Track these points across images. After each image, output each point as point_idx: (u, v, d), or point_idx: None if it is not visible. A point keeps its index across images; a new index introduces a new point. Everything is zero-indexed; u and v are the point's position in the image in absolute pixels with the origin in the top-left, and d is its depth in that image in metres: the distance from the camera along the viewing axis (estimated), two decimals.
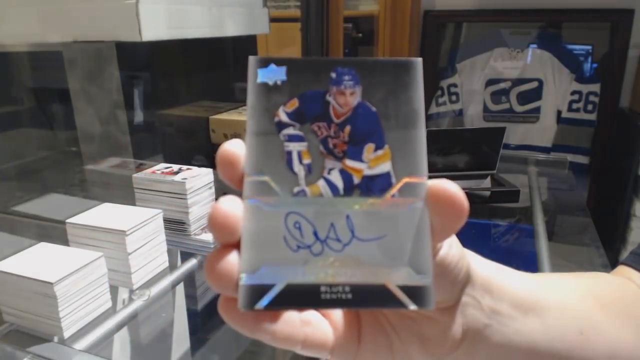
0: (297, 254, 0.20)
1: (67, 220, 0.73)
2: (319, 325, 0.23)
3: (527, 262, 0.92)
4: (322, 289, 0.20)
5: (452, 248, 0.23)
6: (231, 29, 1.01)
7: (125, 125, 1.08)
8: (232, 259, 0.20)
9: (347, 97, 0.21)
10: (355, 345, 0.24)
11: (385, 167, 0.21)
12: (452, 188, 0.20)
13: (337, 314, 0.24)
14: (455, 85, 2.05)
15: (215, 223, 0.20)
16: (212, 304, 0.85)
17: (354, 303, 0.20)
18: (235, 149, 0.20)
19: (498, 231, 1.14)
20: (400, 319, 0.25)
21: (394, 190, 0.21)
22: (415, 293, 0.20)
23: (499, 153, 1.21)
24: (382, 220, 0.20)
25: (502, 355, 0.28)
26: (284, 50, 1.80)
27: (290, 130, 0.21)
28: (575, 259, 0.96)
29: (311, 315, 0.23)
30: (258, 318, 0.20)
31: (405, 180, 0.21)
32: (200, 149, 1.29)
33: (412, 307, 0.20)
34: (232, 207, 0.20)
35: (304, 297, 0.20)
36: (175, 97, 1.34)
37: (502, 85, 2.00)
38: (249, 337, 0.21)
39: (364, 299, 0.20)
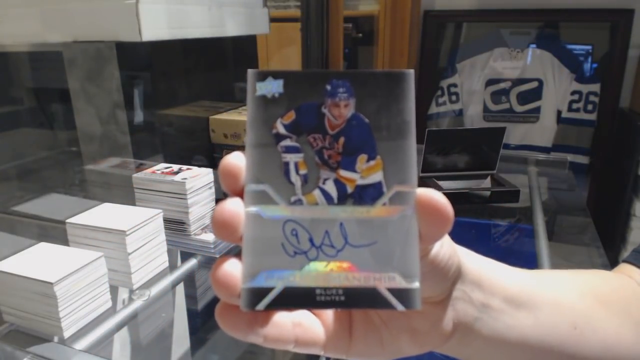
0: (294, 259, 0.21)
1: (67, 220, 0.73)
2: (310, 325, 0.24)
3: (527, 262, 0.92)
4: (317, 291, 0.21)
5: (443, 246, 0.24)
6: (231, 29, 1.01)
7: (125, 125, 1.08)
8: (234, 267, 0.21)
9: (341, 109, 0.22)
10: (347, 340, 0.26)
11: (377, 177, 0.22)
12: (438, 197, 0.21)
13: (329, 312, 0.26)
14: (455, 85, 2.05)
15: (218, 222, 0.21)
16: (212, 304, 0.85)
17: (346, 304, 0.21)
18: (236, 161, 0.22)
19: (498, 231, 1.14)
20: (391, 313, 0.26)
21: (385, 199, 0.22)
22: (404, 295, 0.21)
23: (499, 153, 1.21)
24: (373, 227, 0.22)
25: (494, 348, 0.29)
26: (284, 51, 1.80)
27: (287, 142, 0.22)
28: (575, 259, 0.96)
29: (302, 317, 0.24)
30: (250, 322, 0.22)
31: (396, 189, 0.22)
32: (200, 149, 1.29)
33: (401, 308, 0.21)
34: (234, 207, 0.21)
35: (300, 299, 0.21)
36: (175, 97, 1.34)
37: (502, 85, 2.00)
38: (243, 340, 0.22)
39: (356, 301, 0.21)
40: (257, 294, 0.21)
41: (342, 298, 0.21)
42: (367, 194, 0.22)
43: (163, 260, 0.78)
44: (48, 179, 1.19)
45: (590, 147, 1.93)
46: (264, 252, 0.21)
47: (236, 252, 0.22)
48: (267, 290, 0.21)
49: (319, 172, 0.22)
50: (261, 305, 0.21)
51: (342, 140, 0.22)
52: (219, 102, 1.40)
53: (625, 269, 0.38)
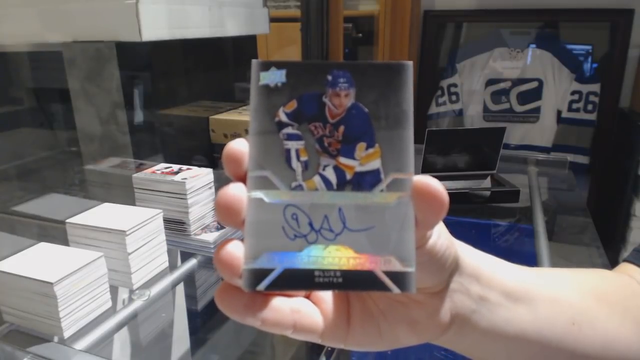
0: (294, 242, 0.22)
1: (67, 220, 0.73)
2: (308, 312, 0.25)
3: (527, 262, 0.92)
4: (316, 273, 0.22)
5: (440, 237, 0.25)
6: (231, 29, 1.01)
7: (125, 125, 1.08)
8: (237, 248, 0.22)
9: (341, 98, 0.23)
10: (345, 329, 0.26)
11: (375, 164, 0.22)
12: (434, 184, 0.22)
13: (328, 301, 0.26)
14: (455, 85, 2.05)
15: (221, 206, 0.22)
16: (212, 304, 0.85)
17: (344, 286, 0.22)
18: (239, 147, 0.22)
19: (498, 231, 1.14)
20: (389, 303, 0.27)
21: (383, 186, 0.22)
22: (399, 278, 0.22)
23: (499, 153, 1.21)
24: (371, 212, 0.22)
25: (491, 340, 0.29)
26: (284, 50, 1.80)
27: (289, 130, 0.23)
28: (575, 259, 0.96)
29: (301, 304, 0.25)
30: (249, 305, 0.23)
31: (393, 176, 0.22)
32: (200, 149, 1.29)
33: (396, 290, 0.22)
34: (237, 192, 0.22)
35: (299, 280, 0.22)
36: (175, 97, 1.34)
37: (502, 85, 2.00)
38: (240, 322, 0.23)
39: (353, 283, 0.22)
40: (258, 275, 0.22)
41: (340, 280, 0.22)
42: (365, 181, 0.22)
43: (163, 260, 0.78)
44: (48, 179, 1.19)
45: (590, 147, 1.92)
46: (265, 235, 0.22)
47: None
48: (268, 272, 0.22)
49: (319, 159, 0.23)
50: (262, 286, 0.21)
51: (342, 128, 0.23)
52: (219, 102, 1.40)
53: (625, 268, 0.39)
